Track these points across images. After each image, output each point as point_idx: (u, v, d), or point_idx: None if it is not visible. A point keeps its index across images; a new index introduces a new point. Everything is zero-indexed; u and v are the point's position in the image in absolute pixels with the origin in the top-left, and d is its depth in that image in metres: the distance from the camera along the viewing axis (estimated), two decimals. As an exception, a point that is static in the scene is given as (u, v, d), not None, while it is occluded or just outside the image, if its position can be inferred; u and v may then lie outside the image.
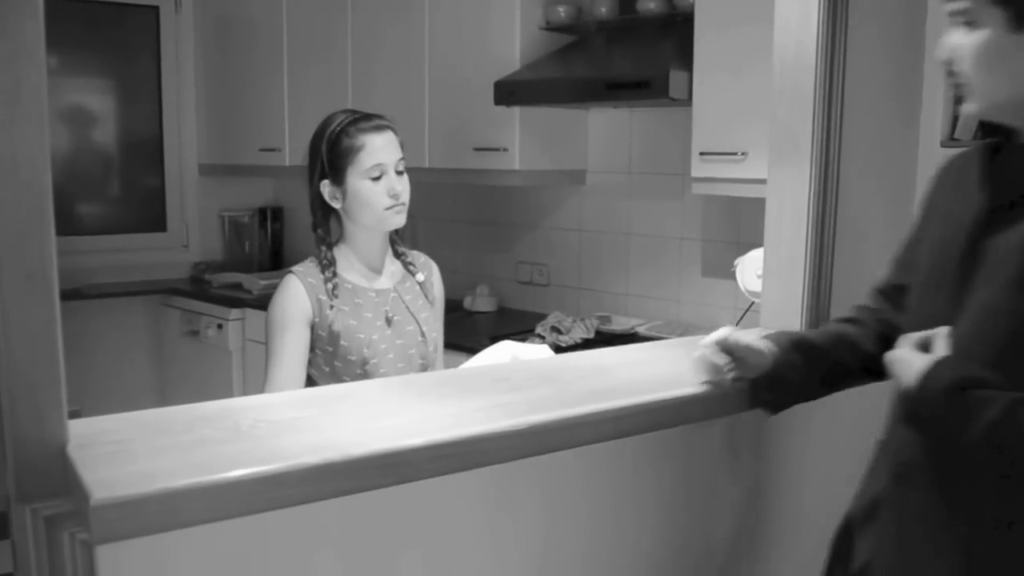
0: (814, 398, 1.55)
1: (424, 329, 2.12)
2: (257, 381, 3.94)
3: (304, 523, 1.24)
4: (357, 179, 2.01)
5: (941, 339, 1.22)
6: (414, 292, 2.16)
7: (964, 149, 1.37)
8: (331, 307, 2.01)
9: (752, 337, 1.50)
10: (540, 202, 3.74)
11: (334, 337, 2.01)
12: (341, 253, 2.09)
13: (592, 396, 1.46)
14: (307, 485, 1.14)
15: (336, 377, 2.03)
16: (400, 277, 2.15)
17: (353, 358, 2.02)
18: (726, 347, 1.50)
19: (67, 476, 1.11)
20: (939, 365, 1.18)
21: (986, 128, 1.30)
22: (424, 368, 2.13)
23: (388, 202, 2.02)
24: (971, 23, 1.20)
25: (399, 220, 2.06)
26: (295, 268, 2.06)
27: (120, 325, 4.50)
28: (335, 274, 2.05)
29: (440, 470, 1.26)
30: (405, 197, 2.05)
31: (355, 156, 2.01)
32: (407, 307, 2.12)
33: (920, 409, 1.19)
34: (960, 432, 1.13)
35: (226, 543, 1.19)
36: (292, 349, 2.00)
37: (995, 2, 1.17)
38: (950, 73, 1.24)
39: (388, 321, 2.08)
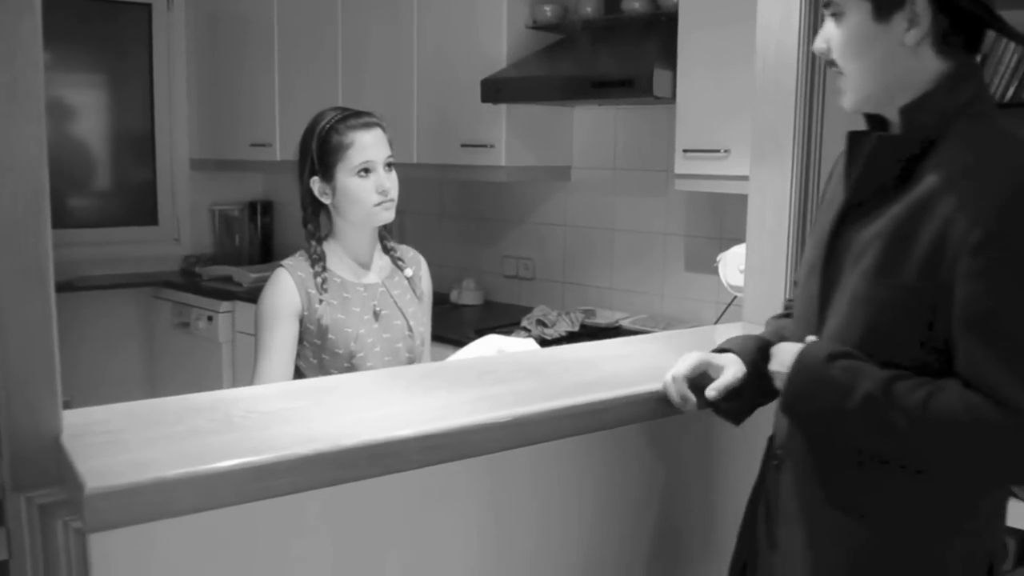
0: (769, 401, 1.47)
1: (411, 323, 2.14)
2: (247, 373, 3.93)
3: (294, 512, 1.25)
4: (346, 175, 2.03)
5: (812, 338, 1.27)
6: (402, 287, 2.17)
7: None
8: (320, 301, 2.03)
9: (724, 366, 1.41)
10: (526, 198, 3.77)
11: (322, 331, 2.03)
12: (330, 248, 2.11)
13: (576, 389, 1.46)
14: (297, 475, 1.14)
15: (324, 370, 2.05)
16: (388, 272, 2.17)
17: (340, 351, 2.04)
18: (695, 383, 1.42)
19: (61, 466, 1.11)
20: (811, 346, 1.23)
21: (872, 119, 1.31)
22: (411, 362, 2.15)
23: (376, 198, 2.04)
24: (839, 15, 1.23)
25: (387, 216, 2.08)
26: (285, 262, 2.08)
27: (111, 317, 4.51)
28: (324, 268, 2.07)
29: (428, 461, 1.27)
30: (394, 193, 2.06)
31: (344, 153, 2.03)
32: (395, 302, 2.14)
33: (796, 388, 1.22)
34: (839, 403, 1.16)
35: (217, 532, 1.20)
36: (281, 342, 2.02)
37: None
38: (829, 64, 1.26)
39: (376, 315, 2.10)
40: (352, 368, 2.05)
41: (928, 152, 1.18)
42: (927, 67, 1.18)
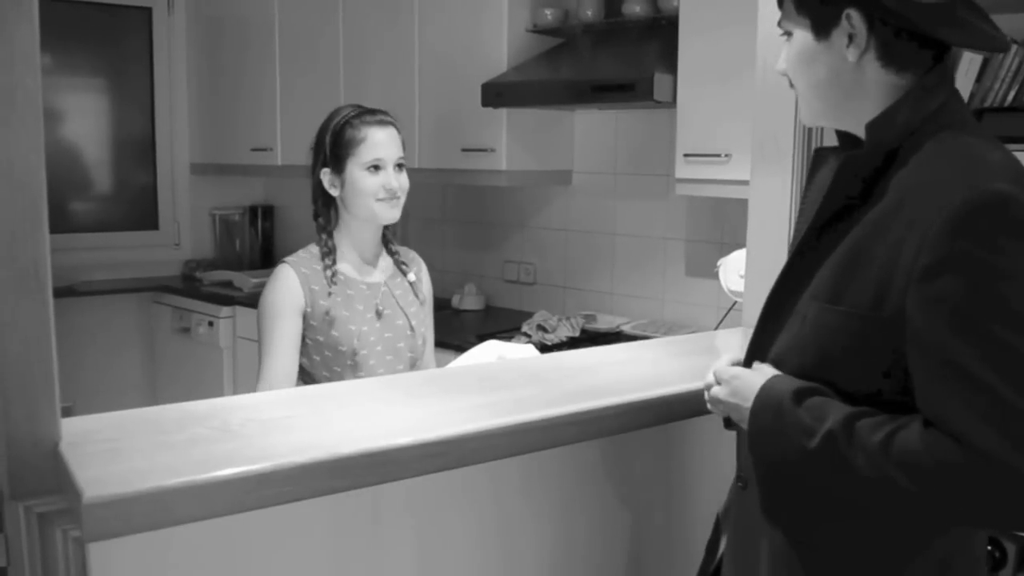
0: None
1: (413, 323, 2.16)
2: (248, 378, 3.95)
3: (293, 521, 1.25)
4: (356, 170, 2.06)
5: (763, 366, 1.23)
6: (404, 288, 2.19)
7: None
8: (328, 294, 2.05)
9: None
10: (527, 202, 3.77)
11: (325, 326, 2.04)
12: (337, 244, 2.12)
13: (577, 395, 1.46)
14: (296, 483, 1.14)
15: (326, 367, 2.06)
16: (391, 272, 2.19)
17: (343, 348, 2.05)
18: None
19: (59, 474, 1.11)
20: (775, 381, 1.18)
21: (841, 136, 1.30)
22: (412, 361, 2.16)
23: (383, 194, 2.06)
24: (788, 34, 1.23)
25: (392, 214, 2.09)
26: (288, 258, 2.09)
27: (112, 322, 4.51)
28: (335, 261, 2.09)
29: (427, 469, 1.27)
30: (401, 193, 2.08)
31: (356, 147, 2.06)
32: (397, 301, 2.15)
33: (759, 427, 1.17)
34: (800, 442, 1.11)
35: (217, 541, 1.20)
36: (286, 338, 2.02)
37: (800, 13, 1.20)
38: (791, 84, 1.26)
39: (378, 314, 2.11)
40: (355, 366, 2.06)
41: (891, 165, 1.15)
42: (878, 82, 1.16)
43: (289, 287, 2.04)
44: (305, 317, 2.05)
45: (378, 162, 2.06)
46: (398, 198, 2.08)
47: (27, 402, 1.11)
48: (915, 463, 1.02)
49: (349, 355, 2.06)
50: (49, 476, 1.12)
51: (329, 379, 2.07)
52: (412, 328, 2.15)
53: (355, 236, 2.12)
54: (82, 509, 1.00)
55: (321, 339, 2.05)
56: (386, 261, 2.20)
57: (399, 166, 2.09)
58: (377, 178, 2.06)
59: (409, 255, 2.26)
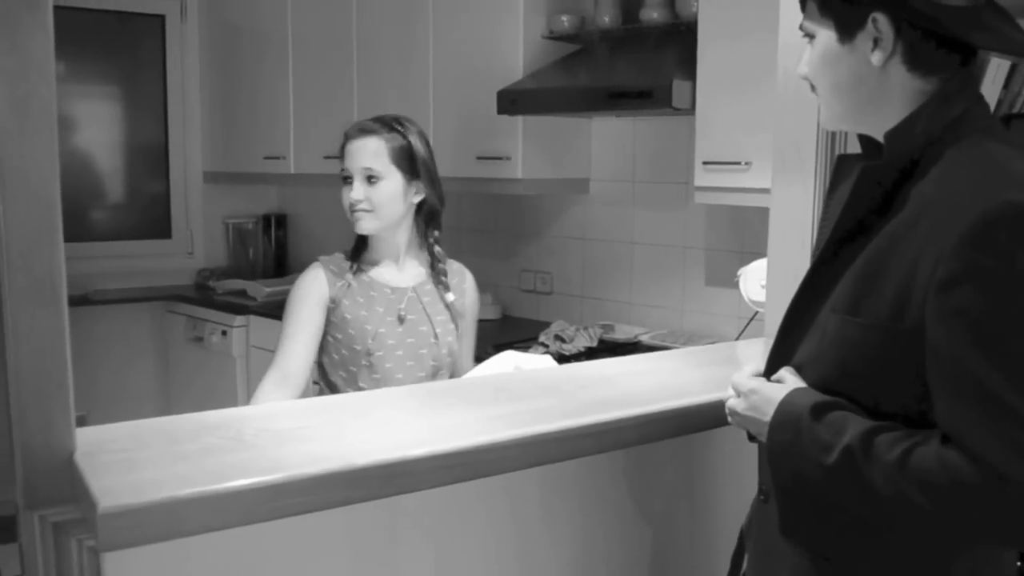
0: None
1: (438, 332, 2.15)
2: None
3: (307, 532, 1.25)
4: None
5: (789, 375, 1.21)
6: (434, 295, 2.19)
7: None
8: (348, 291, 2.08)
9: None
10: (544, 210, 3.75)
11: (343, 324, 2.07)
12: (369, 246, 2.16)
13: (594, 407, 1.46)
14: (309, 495, 1.14)
15: (343, 366, 2.09)
16: (423, 279, 2.19)
17: (358, 348, 2.07)
18: None
19: (74, 484, 1.12)
20: (794, 394, 1.16)
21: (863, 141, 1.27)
22: (435, 370, 2.16)
23: (350, 207, 2.09)
24: (810, 36, 1.21)
25: (363, 226, 2.10)
26: (321, 257, 2.15)
27: (125, 331, 4.50)
28: (357, 261, 2.13)
29: (442, 480, 1.27)
30: (367, 205, 2.08)
31: (341, 158, 2.12)
32: (424, 308, 2.15)
33: (777, 441, 1.16)
34: (819, 458, 1.09)
35: (231, 551, 1.20)
36: (304, 326, 2.06)
37: (824, 15, 1.18)
38: (812, 88, 1.24)
39: (400, 319, 2.12)
40: (371, 368, 2.08)
41: (911, 175, 1.14)
42: (903, 87, 1.14)
43: (315, 280, 2.09)
44: (328, 313, 2.08)
45: (345, 173, 2.10)
46: (367, 211, 2.08)
47: (42, 412, 1.13)
48: (931, 481, 1.01)
49: (363, 355, 2.07)
50: (64, 486, 1.13)
51: (345, 380, 2.10)
52: (436, 336, 2.15)
53: (375, 241, 2.15)
54: (97, 519, 1.01)
55: (339, 336, 2.08)
56: (420, 268, 2.20)
57: (370, 178, 2.08)
58: (345, 190, 2.10)
59: (453, 267, 2.27)
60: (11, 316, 1.09)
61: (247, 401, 4.14)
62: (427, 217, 2.18)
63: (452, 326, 2.20)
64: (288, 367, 2.03)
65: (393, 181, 2.09)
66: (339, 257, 2.15)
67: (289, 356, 2.04)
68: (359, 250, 2.15)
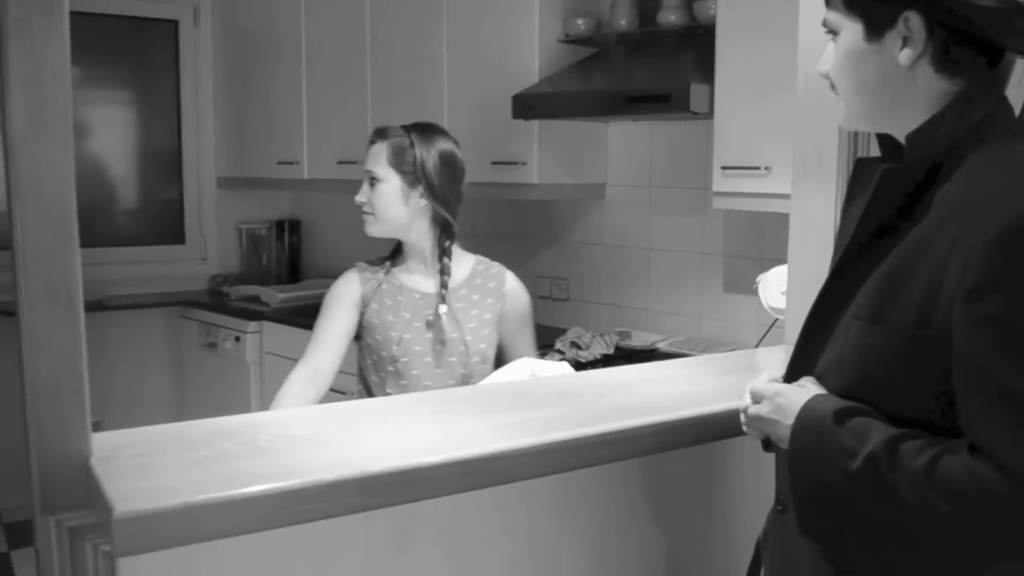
0: None
1: (468, 339, 2.15)
2: (274, 394, 3.93)
3: (322, 539, 1.25)
4: None
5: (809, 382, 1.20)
6: (467, 301, 2.18)
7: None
8: (377, 292, 2.12)
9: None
10: (559, 216, 3.74)
11: (371, 328, 2.12)
12: (405, 252, 2.21)
13: (610, 415, 1.44)
14: (324, 501, 1.14)
15: (375, 370, 2.13)
16: (459, 283, 2.19)
17: (384, 353, 2.10)
18: None
19: (90, 489, 1.12)
20: (817, 400, 1.15)
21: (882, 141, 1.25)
22: (466, 378, 2.16)
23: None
24: (835, 33, 1.19)
25: (367, 228, 2.17)
26: (359, 263, 2.21)
27: (139, 337, 4.52)
28: (388, 264, 2.18)
29: (457, 488, 1.26)
30: (369, 207, 2.14)
31: None
32: (454, 315, 2.15)
33: (799, 447, 1.14)
34: (842, 463, 1.08)
35: (245, 557, 1.20)
36: (335, 324, 2.11)
37: (851, 12, 1.15)
38: (832, 86, 1.22)
39: (428, 325, 2.12)
40: (398, 374, 2.11)
41: (935, 178, 1.12)
42: (929, 88, 1.12)
43: (349, 282, 2.14)
44: (362, 314, 2.13)
45: (363, 178, 2.16)
46: (368, 213, 2.15)
47: (58, 417, 1.13)
48: (958, 491, 0.99)
49: (390, 360, 2.11)
50: (80, 491, 1.14)
51: (377, 384, 2.14)
52: (466, 344, 2.14)
53: (405, 245, 2.20)
54: (113, 524, 1.01)
55: (370, 341, 2.14)
56: (455, 272, 2.20)
57: (372, 180, 2.14)
58: None
59: (493, 269, 2.26)
60: (27, 322, 1.10)
61: (261, 407, 4.16)
62: (440, 224, 2.18)
63: (486, 332, 2.18)
64: (317, 362, 2.07)
65: (391, 184, 2.12)
66: (377, 260, 2.20)
67: (319, 352, 2.08)
68: (395, 254, 2.20)
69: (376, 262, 2.20)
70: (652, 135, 3.38)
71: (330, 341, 2.09)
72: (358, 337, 2.15)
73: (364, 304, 2.12)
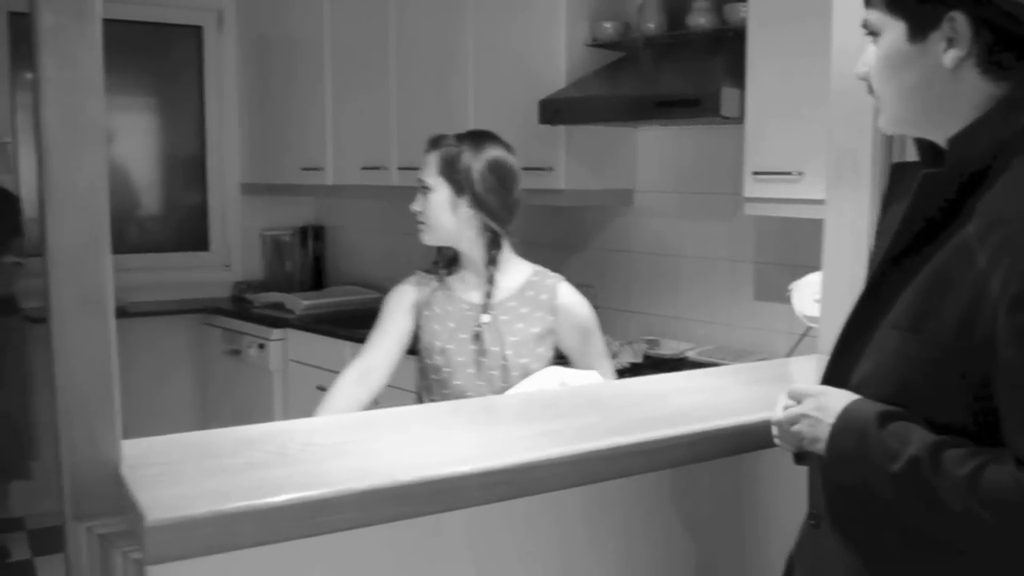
0: None
1: (508, 353, 2.10)
2: (299, 402, 3.94)
3: (353, 548, 1.25)
4: None
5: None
6: (515, 314, 2.14)
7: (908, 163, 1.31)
8: (430, 298, 2.15)
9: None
10: (587, 222, 3.71)
11: (420, 335, 2.16)
12: (457, 261, 2.21)
13: (642, 424, 1.44)
14: (354, 510, 1.14)
15: (423, 377, 2.18)
16: (508, 296, 2.15)
17: (428, 361, 2.14)
18: None
19: (121, 496, 1.13)
20: (859, 403, 1.13)
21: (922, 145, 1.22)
22: (504, 392, 2.10)
23: None
24: (875, 35, 1.17)
25: (421, 237, 2.17)
26: (418, 271, 2.24)
27: (162, 343, 4.53)
28: (446, 276, 2.19)
29: (488, 498, 1.26)
30: (422, 216, 2.15)
31: None
32: (498, 327, 2.12)
33: (840, 447, 1.12)
34: (883, 466, 1.06)
35: (275, 566, 1.20)
36: (391, 326, 2.15)
37: (894, 13, 1.13)
38: (869, 89, 1.20)
39: (475, 336, 2.11)
40: (441, 383, 2.13)
41: (978, 185, 1.09)
42: (973, 91, 1.10)
43: (407, 287, 2.19)
44: (417, 318, 2.17)
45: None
46: (420, 222, 2.16)
47: (89, 424, 1.14)
48: (1004, 500, 0.98)
49: (433, 370, 2.13)
50: (110, 498, 1.14)
51: (425, 390, 2.19)
52: (505, 358, 2.10)
53: (459, 255, 2.19)
54: (144, 531, 1.02)
55: (419, 348, 2.17)
56: (506, 285, 2.16)
57: (424, 189, 2.15)
58: None
59: (547, 281, 2.21)
60: (59, 329, 1.11)
61: (284, 415, 4.16)
62: (489, 234, 2.15)
63: (531, 347, 2.13)
64: (368, 363, 2.11)
65: (440, 194, 2.11)
66: (434, 268, 2.22)
67: (371, 353, 2.12)
68: (452, 263, 2.21)
69: (433, 269, 2.21)
70: (681, 140, 3.35)
71: (382, 343, 2.13)
72: (417, 340, 2.19)
73: (418, 310, 2.16)
